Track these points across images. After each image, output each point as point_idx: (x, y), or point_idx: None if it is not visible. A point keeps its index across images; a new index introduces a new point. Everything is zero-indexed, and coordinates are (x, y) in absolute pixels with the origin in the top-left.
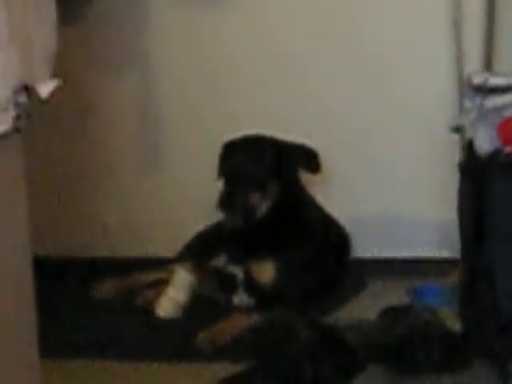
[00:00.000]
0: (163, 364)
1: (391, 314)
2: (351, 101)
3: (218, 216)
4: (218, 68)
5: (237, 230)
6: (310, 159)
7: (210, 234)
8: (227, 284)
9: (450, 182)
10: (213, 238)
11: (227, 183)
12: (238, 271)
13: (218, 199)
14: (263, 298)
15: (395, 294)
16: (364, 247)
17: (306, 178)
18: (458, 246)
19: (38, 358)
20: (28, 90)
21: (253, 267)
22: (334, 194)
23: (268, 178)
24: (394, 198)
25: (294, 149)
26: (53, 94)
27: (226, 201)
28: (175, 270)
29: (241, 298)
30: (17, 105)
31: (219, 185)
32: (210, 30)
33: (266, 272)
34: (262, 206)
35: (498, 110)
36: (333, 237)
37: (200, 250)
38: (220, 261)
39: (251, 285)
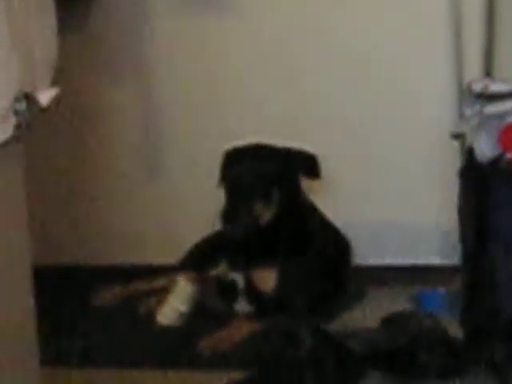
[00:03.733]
0: (165, 371)
1: (393, 321)
2: (352, 109)
3: (219, 223)
4: (220, 76)
5: (238, 238)
6: (309, 165)
7: (211, 242)
8: (228, 292)
9: (451, 188)
10: (214, 247)
11: (230, 194)
12: (239, 279)
13: (221, 212)
14: (264, 305)
15: (397, 301)
16: (365, 254)
17: (306, 184)
18: (459, 252)
19: (38, 366)
20: (28, 98)
21: (254, 275)
22: (335, 200)
23: (270, 186)
24: (395, 205)
25: (294, 155)
26: (53, 103)
27: (230, 214)
28: (177, 280)
29: (242, 306)
30: (17, 113)
31: (220, 192)
32: (212, 39)
33: (267, 280)
34: (266, 214)
35: (498, 116)
36: (334, 244)
37: (201, 258)
38: (221, 269)
39: (252, 292)
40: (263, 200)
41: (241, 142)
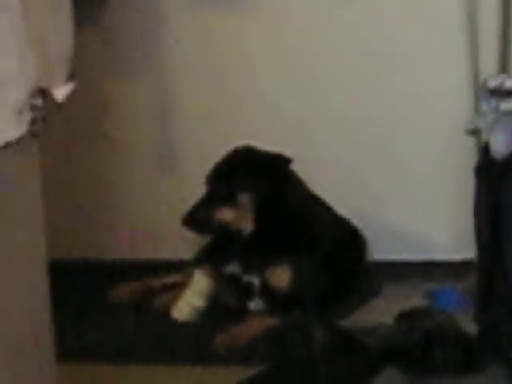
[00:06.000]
0: (180, 367)
1: (407, 317)
2: (366, 106)
3: None
4: (233, 71)
5: (249, 237)
6: (282, 168)
7: (226, 237)
8: (244, 292)
9: (466, 184)
10: (229, 242)
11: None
12: (254, 280)
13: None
14: (279, 302)
15: (411, 297)
16: (380, 250)
17: (321, 181)
18: (474, 248)
19: (54, 361)
20: (44, 93)
21: (268, 273)
22: (350, 197)
23: (237, 190)
24: (410, 201)
25: (269, 158)
26: (68, 98)
27: (187, 219)
28: (194, 274)
29: (257, 304)
30: (33, 108)
31: None
32: (227, 36)
33: (282, 277)
34: (240, 219)
35: None
36: (348, 240)
37: (216, 253)
38: (236, 269)
39: (267, 291)
40: (228, 205)
41: (245, 142)
